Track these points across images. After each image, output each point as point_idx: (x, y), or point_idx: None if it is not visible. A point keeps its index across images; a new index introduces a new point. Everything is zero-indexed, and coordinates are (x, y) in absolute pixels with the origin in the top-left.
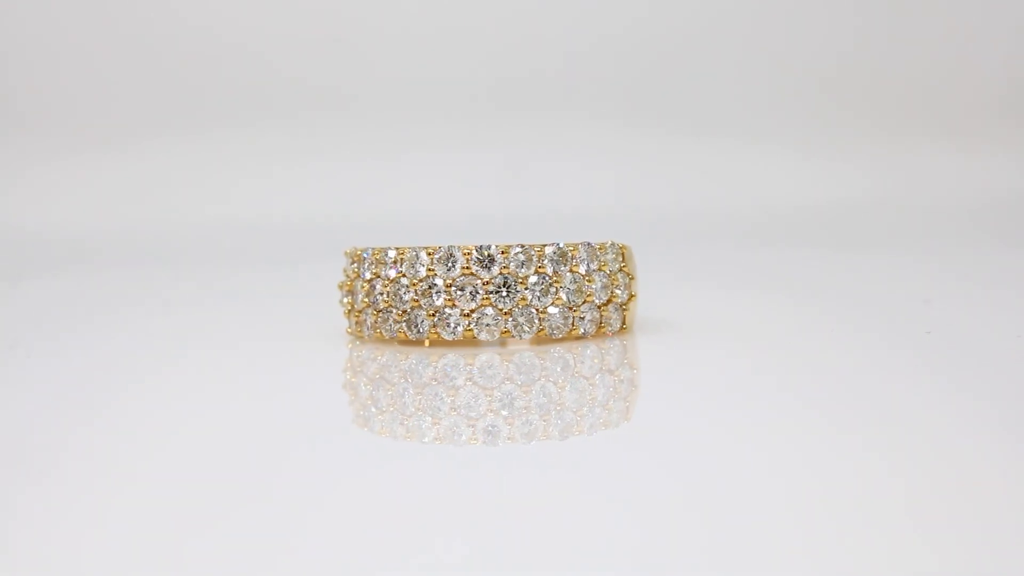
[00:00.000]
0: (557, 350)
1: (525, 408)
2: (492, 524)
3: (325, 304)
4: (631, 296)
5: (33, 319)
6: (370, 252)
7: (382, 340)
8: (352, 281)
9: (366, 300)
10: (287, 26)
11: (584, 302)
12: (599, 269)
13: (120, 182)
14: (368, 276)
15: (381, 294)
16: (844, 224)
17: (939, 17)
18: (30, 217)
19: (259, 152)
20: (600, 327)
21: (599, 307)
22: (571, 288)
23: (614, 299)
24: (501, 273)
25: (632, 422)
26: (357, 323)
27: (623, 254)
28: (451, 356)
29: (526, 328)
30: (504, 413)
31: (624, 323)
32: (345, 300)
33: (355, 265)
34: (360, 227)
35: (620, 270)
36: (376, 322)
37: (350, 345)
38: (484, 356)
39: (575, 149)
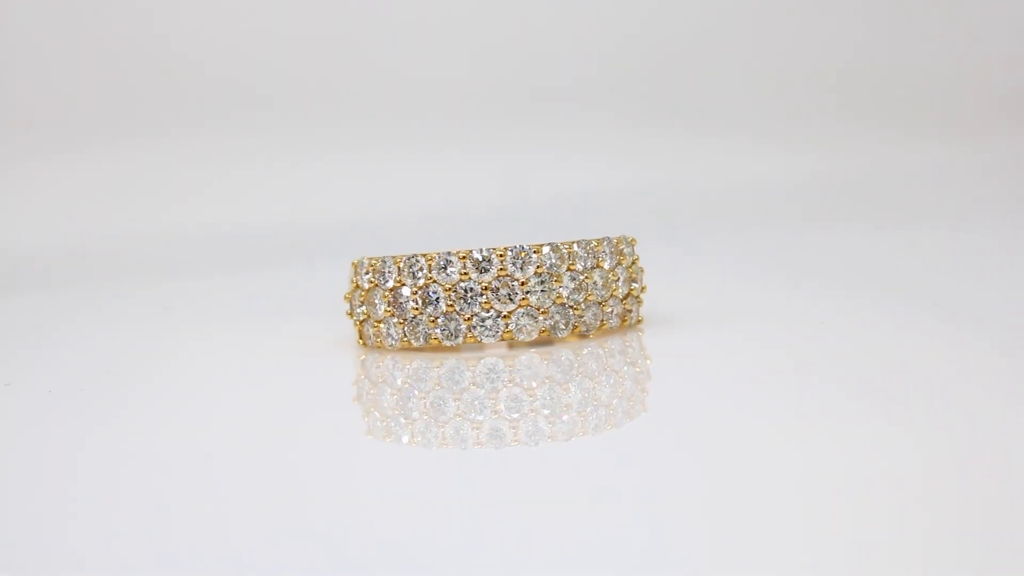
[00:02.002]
0: (589, 347)
1: (566, 406)
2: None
3: (321, 310)
4: (643, 287)
5: (21, 335)
6: (391, 260)
7: (408, 348)
8: (368, 291)
9: (389, 309)
10: (272, 24)
11: (611, 296)
12: (619, 263)
13: (81, 189)
14: (391, 284)
15: (409, 301)
16: (810, 203)
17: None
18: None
19: (228, 156)
20: (623, 320)
21: (621, 300)
22: (599, 284)
23: (632, 292)
24: (536, 273)
25: (675, 413)
26: (375, 333)
27: (632, 246)
28: (490, 359)
29: (562, 326)
30: (546, 412)
31: (639, 315)
32: (360, 310)
33: (370, 275)
34: (346, 229)
35: (634, 263)
36: (404, 331)
37: (363, 356)
38: (524, 356)
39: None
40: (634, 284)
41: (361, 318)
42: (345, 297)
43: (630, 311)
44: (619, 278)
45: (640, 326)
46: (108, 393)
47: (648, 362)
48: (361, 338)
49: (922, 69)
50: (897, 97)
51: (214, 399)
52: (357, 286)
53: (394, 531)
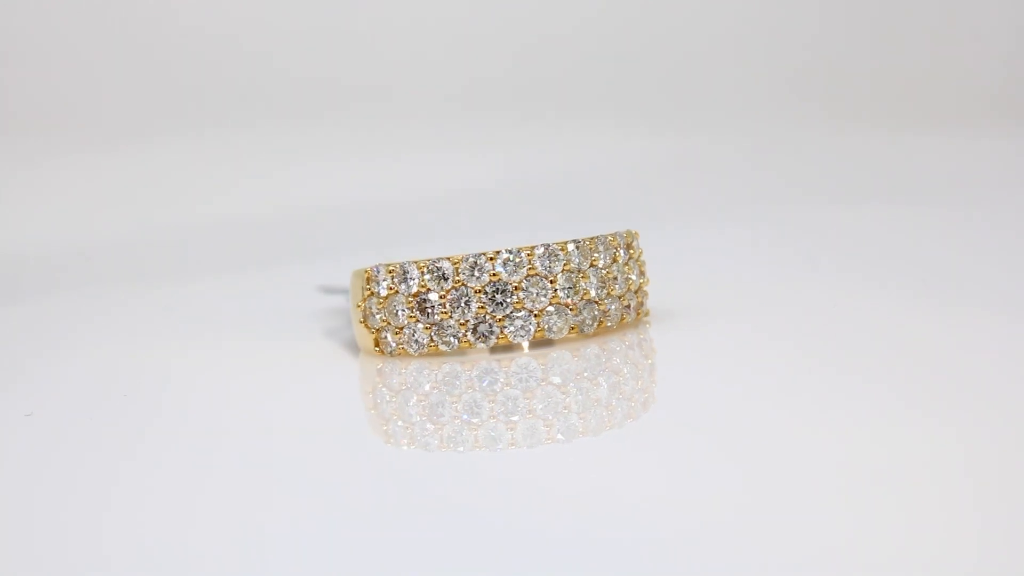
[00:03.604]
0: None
1: (596, 401)
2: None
3: (318, 315)
4: (647, 280)
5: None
6: (412, 265)
7: (436, 353)
8: (386, 298)
9: (413, 315)
10: (272, 22)
11: (627, 290)
12: (629, 257)
13: (82, 189)
14: (415, 289)
15: (437, 305)
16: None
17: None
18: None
19: (221, 156)
20: (637, 314)
21: (635, 293)
22: (619, 278)
23: (643, 285)
24: (564, 270)
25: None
26: (397, 341)
27: (636, 239)
28: (524, 359)
29: (588, 322)
30: (575, 409)
31: (646, 308)
32: (378, 317)
33: (388, 281)
34: (332, 229)
35: (639, 255)
36: (431, 336)
37: (380, 364)
38: (555, 353)
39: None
40: (642, 276)
41: (379, 326)
42: (357, 305)
43: (641, 304)
44: (632, 271)
45: (647, 318)
46: (122, 414)
47: (655, 354)
48: (378, 346)
49: (920, 63)
50: (900, 85)
51: (234, 414)
52: (373, 293)
53: (435, 534)
